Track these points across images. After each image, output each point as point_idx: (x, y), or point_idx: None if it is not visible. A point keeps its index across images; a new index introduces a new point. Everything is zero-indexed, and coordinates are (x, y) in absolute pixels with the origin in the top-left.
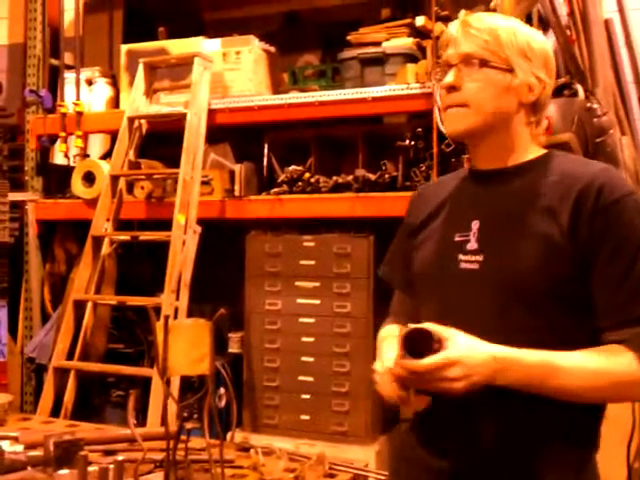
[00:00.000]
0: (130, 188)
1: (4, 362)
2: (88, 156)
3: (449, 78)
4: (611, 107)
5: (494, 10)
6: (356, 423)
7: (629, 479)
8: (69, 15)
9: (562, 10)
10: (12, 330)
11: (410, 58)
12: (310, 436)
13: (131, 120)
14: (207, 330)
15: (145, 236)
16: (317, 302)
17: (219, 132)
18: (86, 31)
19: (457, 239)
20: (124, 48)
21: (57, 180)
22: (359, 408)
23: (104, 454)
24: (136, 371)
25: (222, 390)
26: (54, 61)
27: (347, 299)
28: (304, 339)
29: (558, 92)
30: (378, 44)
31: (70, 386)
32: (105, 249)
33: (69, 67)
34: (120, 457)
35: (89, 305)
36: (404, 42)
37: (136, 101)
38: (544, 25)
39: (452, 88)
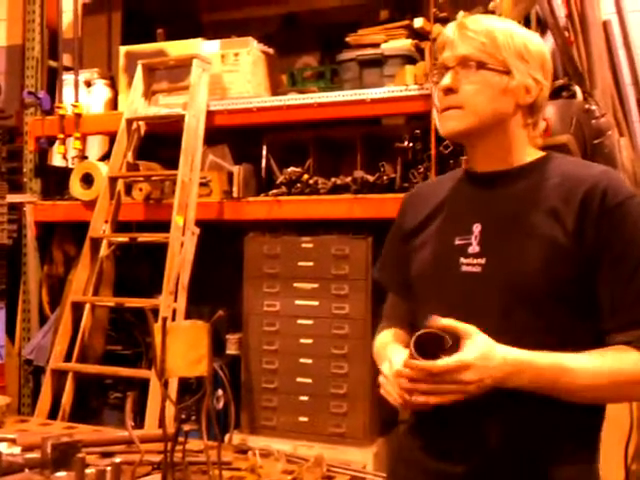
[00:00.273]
0: (128, 190)
1: (2, 364)
2: (86, 158)
3: (446, 80)
4: (609, 109)
5: (492, 12)
6: (354, 425)
7: None
8: (67, 17)
9: (560, 12)
10: (10, 332)
11: (408, 60)
12: (308, 438)
13: (129, 122)
14: (205, 332)
15: (143, 238)
16: (315, 303)
17: (217, 134)
18: (85, 33)
19: (458, 242)
20: (123, 50)
21: (55, 182)
22: (357, 410)
23: (102, 456)
24: (134, 373)
25: (220, 392)
26: (52, 63)
27: (345, 300)
28: (302, 341)
29: (556, 94)
30: (377, 46)
31: (68, 388)
32: (103, 251)
33: (67, 69)
34: (118, 459)
35: (87, 307)
36: (402, 44)
37: (134, 103)
38: (542, 27)
39: (449, 90)
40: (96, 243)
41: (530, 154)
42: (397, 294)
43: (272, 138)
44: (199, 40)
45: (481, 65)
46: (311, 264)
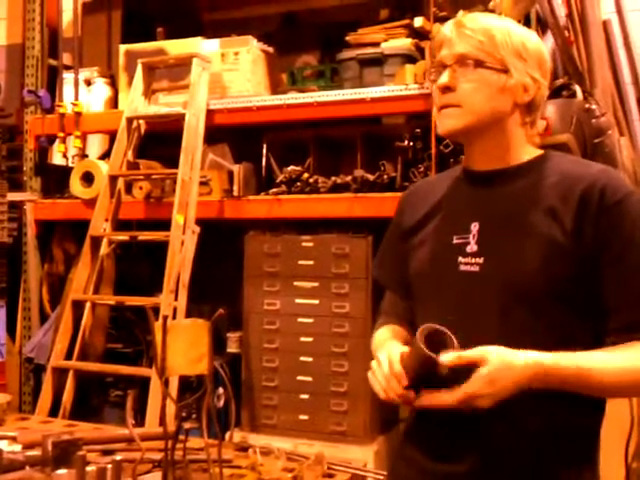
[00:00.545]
0: (129, 188)
1: (2, 362)
2: (87, 156)
3: (444, 79)
4: (609, 108)
5: (492, 11)
6: (355, 423)
7: (627, 479)
8: (67, 15)
9: (560, 11)
10: (11, 330)
11: (409, 59)
12: (309, 436)
13: (130, 120)
14: (206, 330)
15: (144, 236)
16: (316, 302)
17: (218, 132)
18: (85, 31)
19: (456, 241)
20: (122, 48)
21: (56, 180)
22: (358, 408)
23: (102, 454)
24: (134, 371)
25: (220, 390)
26: (52, 61)
27: (345, 299)
28: (303, 339)
29: (556, 93)
30: (377, 45)
31: (68, 386)
32: (104, 249)
33: (68, 67)
34: (118, 457)
35: (88, 305)
36: (403, 43)
37: (135, 101)
38: (542, 26)
39: (447, 89)
40: (96, 241)
41: (528, 153)
42: (395, 292)
43: (272, 137)
44: (199, 39)
45: (479, 63)
46: (311, 263)
